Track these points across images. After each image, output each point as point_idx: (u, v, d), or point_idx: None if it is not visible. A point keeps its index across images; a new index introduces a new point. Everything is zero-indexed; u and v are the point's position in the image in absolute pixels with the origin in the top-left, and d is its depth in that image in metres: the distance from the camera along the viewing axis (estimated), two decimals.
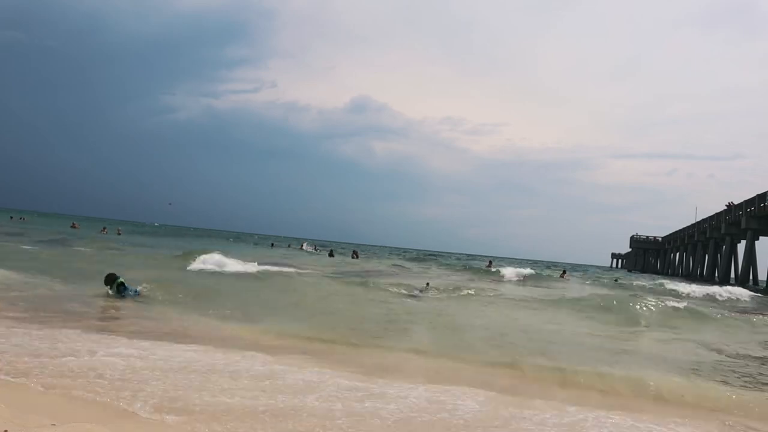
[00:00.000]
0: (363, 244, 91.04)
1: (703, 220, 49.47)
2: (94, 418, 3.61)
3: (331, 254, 38.60)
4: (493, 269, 30.87)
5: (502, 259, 77.81)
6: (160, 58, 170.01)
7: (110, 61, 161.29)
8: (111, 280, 10.05)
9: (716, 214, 44.96)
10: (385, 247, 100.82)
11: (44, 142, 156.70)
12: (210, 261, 17.29)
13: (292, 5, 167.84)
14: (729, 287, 24.45)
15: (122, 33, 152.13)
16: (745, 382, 6.49)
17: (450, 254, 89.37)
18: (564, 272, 33.27)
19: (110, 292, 9.92)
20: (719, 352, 8.69)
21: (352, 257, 37.22)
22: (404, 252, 72.06)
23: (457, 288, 16.45)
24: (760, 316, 14.39)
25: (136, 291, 10.15)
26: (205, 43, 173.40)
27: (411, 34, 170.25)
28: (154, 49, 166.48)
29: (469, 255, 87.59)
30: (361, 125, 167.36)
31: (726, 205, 42.09)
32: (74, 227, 45.71)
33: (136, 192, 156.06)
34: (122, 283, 10.01)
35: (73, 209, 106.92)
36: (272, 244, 52.32)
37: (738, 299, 21.67)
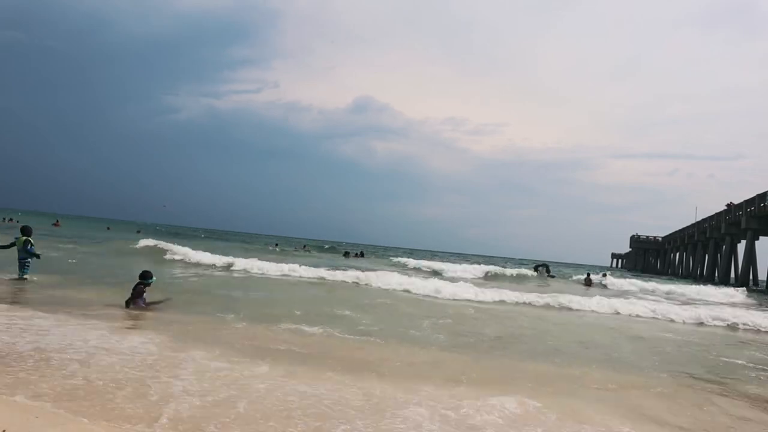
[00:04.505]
0: (363, 244, 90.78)
1: (703, 220, 49.35)
2: None
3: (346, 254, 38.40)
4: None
5: (503, 259, 77.70)
6: (160, 59, 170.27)
7: (110, 61, 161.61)
8: (27, 233, 10.36)
9: (716, 214, 44.86)
10: (388, 247, 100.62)
11: (44, 142, 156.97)
12: None
13: (295, 5, 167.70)
14: None
15: (122, 33, 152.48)
16: None
17: (451, 254, 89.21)
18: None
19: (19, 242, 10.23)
20: None
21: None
22: (413, 252, 71.80)
23: None
24: None
25: (34, 255, 10.33)
26: (206, 43, 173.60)
27: (411, 34, 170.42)
28: (154, 49, 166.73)
29: (467, 254, 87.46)
30: (361, 125, 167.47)
31: (726, 205, 42.02)
32: (56, 225, 44.10)
33: (136, 192, 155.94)
34: (30, 242, 10.33)
35: (74, 209, 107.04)
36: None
37: None
